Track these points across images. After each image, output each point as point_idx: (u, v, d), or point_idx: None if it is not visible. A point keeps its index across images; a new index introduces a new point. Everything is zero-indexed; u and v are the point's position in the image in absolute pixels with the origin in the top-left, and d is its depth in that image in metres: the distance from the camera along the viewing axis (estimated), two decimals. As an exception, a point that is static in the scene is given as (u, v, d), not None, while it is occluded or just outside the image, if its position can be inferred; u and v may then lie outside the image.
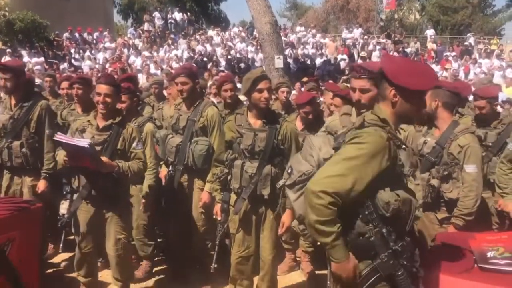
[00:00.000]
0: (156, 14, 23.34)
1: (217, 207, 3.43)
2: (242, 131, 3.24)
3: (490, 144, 3.97)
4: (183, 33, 22.47)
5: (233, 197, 3.33)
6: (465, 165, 3.23)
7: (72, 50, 18.91)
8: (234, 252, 3.33)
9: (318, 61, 18.10)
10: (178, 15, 24.03)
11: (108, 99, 3.32)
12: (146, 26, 22.66)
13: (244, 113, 3.30)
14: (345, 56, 18.26)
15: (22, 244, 3.29)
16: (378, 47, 19.58)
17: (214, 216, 3.55)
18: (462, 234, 3.06)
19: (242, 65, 16.37)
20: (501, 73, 15.34)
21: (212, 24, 29.59)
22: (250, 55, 18.37)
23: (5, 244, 3.18)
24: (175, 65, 15.55)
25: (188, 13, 26.42)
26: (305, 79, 8.86)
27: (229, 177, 3.30)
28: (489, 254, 2.55)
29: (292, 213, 2.96)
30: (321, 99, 5.98)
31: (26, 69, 14.27)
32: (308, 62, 17.83)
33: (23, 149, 4.03)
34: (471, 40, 20.97)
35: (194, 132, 3.85)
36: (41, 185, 4.12)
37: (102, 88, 3.32)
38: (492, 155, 3.94)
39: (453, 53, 18.44)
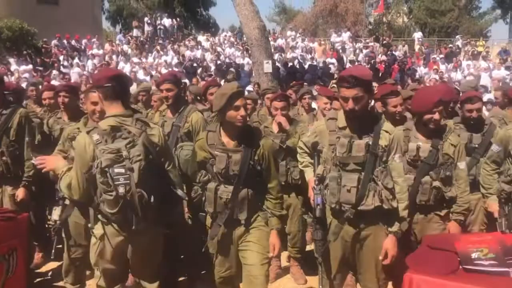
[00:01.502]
0: (146, 20, 23.36)
1: None
2: (215, 152, 2.89)
3: (476, 145, 4.01)
4: (172, 38, 22.47)
5: (208, 218, 3.08)
6: (458, 163, 3.35)
7: (61, 57, 18.81)
8: (216, 272, 3.15)
9: (308, 65, 18.17)
10: (167, 21, 24.05)
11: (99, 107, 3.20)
12: (135, 32, 22.67)
13: (216, 131, 2.95)
14: (334, 60, 18.37)
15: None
16: (366, 50, 19.70)
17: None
18: (447, 236, 3.10)
19: (231, 70, 16.37)
20: (487, 74, 15.56)
21: (201, 29, 29.66)
22: (238, 60, 18.38)
23: (8, 254, 3.25)
24: (164, 71, 15.52)
25: (177, 19, 26.45)
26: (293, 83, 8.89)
27: (203, 199, 3.00)
28: (473, 255, 2.57)
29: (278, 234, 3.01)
30: (314, 104, 5.99)
31: (15, 77, 14.38)
32: (297, 66, 17.89)
33: (4, 158, 3.97)
34: (459, 42, 21.22)
35: (179, 138, 3.88)
36: (20, 193, 4.04)
37: (93, 97, 3.25)
38: (479, 157, 3.98)
39: (441, 56, 18.64)
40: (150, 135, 2.80)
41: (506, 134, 3.44)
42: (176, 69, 15.38)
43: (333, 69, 17.32)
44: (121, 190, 2.58)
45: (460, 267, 2.56)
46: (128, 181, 2.59)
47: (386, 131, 2.83)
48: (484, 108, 5.72)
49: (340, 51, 19.88)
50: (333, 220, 2.89)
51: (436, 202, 3.33)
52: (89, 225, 2.91)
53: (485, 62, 17.02)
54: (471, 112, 4.02)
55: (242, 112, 2.80)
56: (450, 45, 20.99)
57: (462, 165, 3.36)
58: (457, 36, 23.08)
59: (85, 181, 2.70)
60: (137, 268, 3.01)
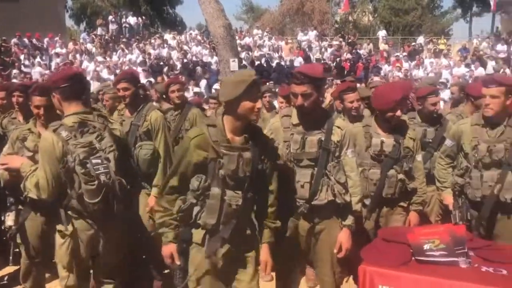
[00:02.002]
0: (110, 19, 22.95)
1: (170, 249, 2.58)
2: (223, 151, 2.43)
3: (430, 140, 4.12)
4: (138, 37, 22.15)
5: (198, 233, 2.53)
6: (416, 155, 3.52)
7: (22, 56, 18.27)
8: None
9: (275, 64, 18.26)
10: (132, 19, 23.69)
11: (42, 111, 3.25)
12: (99, 30, 22.22)
13: (219, 126, 2.48)
14: (300, 59, 18.51)
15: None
16: (331, 49, 19.95)
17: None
18: (402, 229, 3.18)
19: (198, 68, 16.28)
20: (448, 71, 16.01)
21: (168, 27, 29.35)
22: (206, 59, 18.31)
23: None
24: (129, 70, 15.30)
25: (143, 17, 26.09)
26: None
27: (195, 210, 2.48)
28: (425, 247, 2.65)
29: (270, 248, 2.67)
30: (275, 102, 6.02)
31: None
32: (265, 65, 17.95)
33: None
34: (421, 40, 21.76)
35: (138, 137, 3.82)
36: None
37: (37, 100, 3.25)
38: (433, 151, 4.10)
39: (404, 53, 19.06)
40: (112, 129, 2.98)
41: (459, 129, 3.54)
42: (140, 68, 15.20)
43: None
44: (103, 178, 2.74)
45: (413, 258, 2.64)
46: (108, 170, 2.77)
47: (338, 127, 2.88)
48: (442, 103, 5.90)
49: (307, 49, 20.07)
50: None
51: (401, 194, 3.45)
52: (58, 226, 2.89)
53: (446, 60, 17.49)
54: (435, 105, 4.17)
55: (259, 103, 2.48)
56: (413, 43, 21.50)
57: (419, 157, 3.55)
58: (420, 36, 23.62)
59: (54, 178, 2.73)
60: (102, 263, 3.05)
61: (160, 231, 2.59)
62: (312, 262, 3.11)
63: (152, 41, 20.96)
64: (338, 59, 18.25)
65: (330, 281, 3.00)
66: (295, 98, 2.81)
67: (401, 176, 3.39)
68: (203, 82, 14.85)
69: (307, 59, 18.57)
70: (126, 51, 18.99)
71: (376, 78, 13.03)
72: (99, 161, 2.76)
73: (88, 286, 3.18)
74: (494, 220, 3.38)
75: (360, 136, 3.46)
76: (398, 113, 3.34)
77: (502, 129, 3.30)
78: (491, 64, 16.64)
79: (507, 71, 14.97)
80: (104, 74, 15.26)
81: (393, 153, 3.39)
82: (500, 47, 18.59)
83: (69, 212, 2.84)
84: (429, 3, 34.77)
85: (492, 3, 24.54)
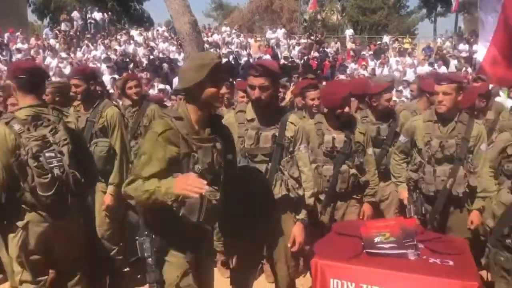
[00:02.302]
0: (75, 14, 22.42)
1: (183, 185, 2.07)
2: (198, 144, 2.29)
3: (384, 137, 4.19)
4: (103, 33, 21.71)
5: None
6: (367, 149, 3.62)
7: (-20, 52, 17.66)
8: None
9: (243, 61, 18.24)
10: (98, 15, 23.22)
11: None
12: (63, 26, 21.66)
13: (186, 117, 2.30)
14: (269, 56, 18.54)
15: None
16: (299, 47, 20.09)
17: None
18: (355, 222, 3.23)
19: (165, 65, 16.09)
20: (412, 70, 16.36)
21: (135, 24, 28.88)
22: (173, 55, 18.12)
23: None
24: (93, 66, 14.98)
25: (109, 13, 25.62)
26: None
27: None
28: (376, 240, 2.69)
29: None
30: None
31: None
32: (233, 62, 17.90)
33: None
34: (387, 39, 22.17)
35: (93, 134, 3.76)
36: None
37: None
38: (388, 147, 4.16)
39: (370, 52, 19.37)
40: (67, 122, 2.97)
41: (412, 125, 3.62)
42: (105, 65, 14.91)
43: (267, 64, 17.45)
44: (57, 171, 2.73)
45: (364, 251, 2.68)
46: (61, 163, 2.76)
47: (292, 123, 2.91)
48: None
49: (275, 47, 20.13)
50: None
51: (354, 188, 3.54)
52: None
53: (411, 59, 17.88)
54: (389, 101, 4.25)
55: (224, 88, 2.48)
56: (379, 42, 21.87)
57: (369, 150, 3.65)
58: (385, 36, 24.06)
59: (5, 171, 2.70)
60: (60, 257, 3.05)
61: (159, 197, 2.11)
62: (267, 256, 3.11)
63: (118, 37, 20.59)
64: (305, 57, 18.39)
65: (284, 275, 3.02)
66: (252, 90, 2.81)
67: (353, 171, 3.46)
68: (176, 80, 14.69)
69: (275, 57, 18.62)
70: (91, 47, 18.61)
71: (342, 76, 13.22)
72: (53, 154, 2.76)
73: (45, 281, 3.07)
74: (447, 214, 3.49)
75: (313, 133, 3.50)
76: (347, 109, 3.41)
77: (453, 125, 3.40)
78: (453, 63, 17.13)
79: (469, 70, 15.39)
80: (67, 70, 14.86)
81: (345, 149, 3.46)
82: (462, 46, 19.11)
83: (23, 206, 2.80)
84: (395, 3, 35.47)
85: (454, 3, 25.20)
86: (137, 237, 2.27)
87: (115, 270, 4.01)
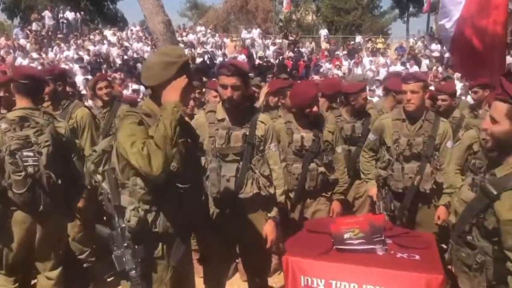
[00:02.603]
0: (47, 13, 21.97)
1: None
2: None
3: (360, 135, 4.25)
4: (76, 33, 21.36)
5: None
6: (336, 147, 3.66)
7: None
8: None
9: (218, 61, 18.22)
10: (70, 14, 22.81)
11: None
12: (34, 25, 21.20)
13: (154, 116, 2.17)
14: (244, 56, 18.57)
15: None
16: (274, 47, 20.19)
17: None
18: (326, 220, 3.28)
19: (139, 65, 15.95)
20: (385, 69, 16.62)
21: (108, 23, 28.49)
22: (147, 55, 17.96)
23: None
24: (64, 67, 14.73)
25: (82, 13, 25.19)
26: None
27: (150, 217, 2.15)
28: (345, 236, 2.75)
29: None
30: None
31: None
32: (208, 62, 17.86)
33: None
34: (358, 39, 22.50)
35: None
36: None
37: None
38: (363, 145, 4.23)
39: (344, 52, 19.60)
40: (57, 127, 3.05)
41: (380, 123, 3.70)
42: (77, 65, 14.69)
43: (242, 64, 17.50)
44: (30, 170, 2.82)
45: (334, 247, 2.73)
46: (37, 163, 2.84)
47: (262, 122, 2.95)
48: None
49: (250, 47, 20.18)
50: (215, 209, 2.93)
51: (322, 186, 3.58)
52: None
53: (384, 59, 18.17)
54: (366, 99, 4.36)
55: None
56: (352, 42, 22.16)
57: (339, 149, 3.69)
58: (358, 36, 24.41)
59: None
60: (42, 255, 3.11)
61: (166, 127, 1.94)
62: (240, 254, 3.14)
63: (92, 37, 20.31)
64: (280, 57, 18.49)
65: (257, 273, 3.05)
66: (224, 90, 2.82)
67: (321, 169, 3.51)
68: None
69: (250, 56, 18.67)
70: (64, 47, 18.29)
71: (316, 77, 13.33)
72: (31, 154, 2.84)
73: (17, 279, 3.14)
74: (415, 210, 3.59)
75: (283, 132, 3.54)
76: (315, 108, 3.46)
77: (420, 124, 3.50)
78: (425, 62, 17.48)
79: (440, 69, 15.74)
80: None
81: (313, 147, 3.50)
82: (434, 46, 19.50)
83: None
84: (369, 3, 35.92)
85: (426, 4, 25.69)
86: (115, 251, 2.07)
87: (87, 273, 3.99)
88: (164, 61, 2.14)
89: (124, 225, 2.06)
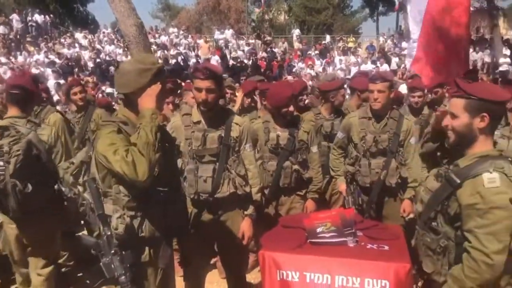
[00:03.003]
0: (14, 16, 21.51)
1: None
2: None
3: None
4: (46, 36, 21.01)
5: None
6: (311, 147, 3.78)
7: None
8: None
9: (192, 62, 18.21)
10: (39, 17, 22.40)
11: None
12: (1, 29, 20.73)
13: (131, 123, 2.25)
14: (217, 57, 18.63)
15: None
16: (248, 48, 20.28)
17: None
18: (300, 216, 3.40)
19: (111, 68, 15.83)
20: (356, 68, 16.93)
21: (79, 26, 28.08)
22: (120, 58, 17.83)
23: None
24: (35, 71, 14.50)
25: (51, 15, 24.75)
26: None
27: (136, 223, 2.21)
28: (318, 230, 2.87)
29: None
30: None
31: None
32: (182, 63, 17.84)
33: None
34: (328, 39, 22.84)
35: None
36: None
37: None
38: None
39: (316, 52, 19.86)
40: (40, 134, 3.11)
41: (348, 122, 3.85)
42: (49, 69, 14.49)
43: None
44: None
45: (308, 241, 2.86)
46: (3, 172, 2.90)
47: (237, 124, 3.05)
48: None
49: (224, 48, 20.24)
50: (193, 209, 3.02)
51: (297, 184, 3.69)
52: None
53: (354, 57, 18.49)
54: (344, 96, 4.53)
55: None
56: (324, 42, 22.47)
57: (314, 149, 3.81)
58: (327, 35, 24.74)
59: None
60: (32, 254, 3.33)
61: (147, 133, 2.03)
62: (218, 252, 3.24)
63: (62, 40, 20.01)
64: (254, 57, 18.61)
65: (235, 270, 3.15)
66: (199, 93, 2.90)
67: (295, 167, 3.63)
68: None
69: (223, 57, 18.74)
70: (34, 51, 17.97)
71: (289, 77, 13.50)
72: (1, 163, 2.92)
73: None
74: (382, 203, 3.75)
75: (260, 132, 3.66)
76: (291, 108, 3.59)
77: (385, 121, 3.66)
78: (394, 60, 17.87)
79: (407, 66, 16.06)
80: (8, 76, 14.32)
81: (288, 146, 3.63)
82: (404, 44, 19.92)
83: None
84: (340, 3, 36.40)
85: (397, 3, 26.20)
86: (103, 259, 2.09)
87: (66, 277, 4.01)
88: (138, 68, 2.18)
89: (109, 233, 2.07)
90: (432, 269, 2.18)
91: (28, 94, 3.26)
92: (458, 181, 2.02)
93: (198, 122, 3.00)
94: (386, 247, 2.76)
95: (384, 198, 3.73)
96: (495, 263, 1.91)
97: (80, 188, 2.24)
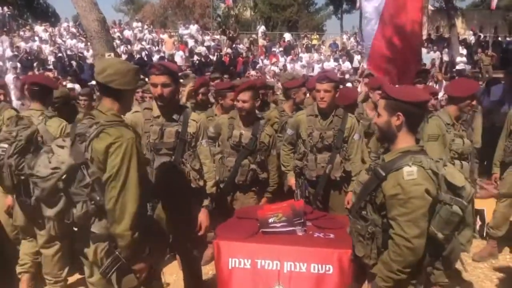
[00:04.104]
0: (-31, 8, 20.84)
1: None
2: None
3: None
4: (5, 29, 20.39)
5: None
6: (272, 150, 3.98)
7: None
8: None
9: (156, 57, 18.08)
10: (-4, 9, 21.75)
11: None
12: (-43, 21, 20.08)
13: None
14: (181, 53, 18.59)
15: None
16: (213, 43, 20.30)
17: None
18: (254, 208, 3.58)
19: (73, 63, 15.57)
20: (319, 65, 17.29)
21: (39, 19, 27.34)
22: (81, 52, 17.53)
23: None
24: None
25: (10, 7, 24.01)
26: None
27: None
28: (270, 220, 3.05)
29: None
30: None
31: None
32: (146, 58, 17.69)
33: None
34: (287, 36, 23.14)
35: None
36: None
37: None
38: None
39: (280, 49, 20.09)
40: (47, 126, 3.50)
41: (297, 119, 4.05)
42: (10, 63, 14.14)
43: (180, 61, 17.54)
44: None
45: (260, 230, 3.04)
46: (4, 153, 3.24)
47: (194, 120, 3.20)
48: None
49: (188, 43, 20.18)
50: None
51: (252, 182, 3.88)
52: None
53: (318, 55, 18.84)
54: (306, 94, 4.78)
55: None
56: (288, 39, 22.73)
57: (274, 152, 4.00)
58: (287, 33, 25.01)
59: None
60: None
61: None
62: (174, 244, 3.37)
63: (21, 33, 19.48)
64: (219, 53, 18.67)
65: (191, 261, 3.30)
66: (154, 88, 3.03)
67: (253, 166, 3.82)
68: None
69: (190, 53, 18.71)
70: (-9, 44, 17.44)
71: (252, 72, 13.68)
72: (6, 146, 3.26)
73: None
74: (328, 196, 3.99)
75: (224, 127, 3.84)
76: (240, 104, 3.76)
77: (331, 119, 3.90)
78: (357, 58, 18.32)
79: (364, 65, 16.50)
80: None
81: (249, 145, 3.81)
82: (366, 42, 20.40)
83: None
84: (304, 0, 36.81)
85: (358, 2, 26.72)
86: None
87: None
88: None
89: None
90: (363, 253, 2.40)
91: (46, 90, 3.68)
92: (383, 174, 2.24)
93: (158, 117, 3.12)
94: (332, 235, 2.97)
95: (330, 191, 3.97)
96: (415, 246, 2.14)
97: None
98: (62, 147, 2.27)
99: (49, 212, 2.24)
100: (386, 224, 2.27)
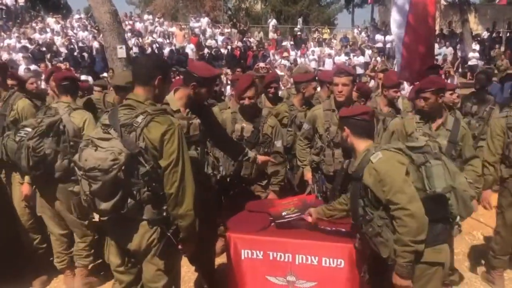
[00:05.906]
0: (-20, 0, 20.95)
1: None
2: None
3: None
4: (18, 20, 20.53)
5: None
6: (276, 141, 3.93)
7: None
8: None
9: (167, 50, 18.11)
10: (9, 1, 21.82)
11: None
12: (-31, 12, 20.23)
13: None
14: (192, 46, 18.58)
15: None
16: (223, 36, 20.27)
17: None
18: (264, 201, 3.61)
19: (85, 54, 15.65)
20: (330, 60, 17.19)
21: (51, 11, 27.44)
22: (93, 44, 17.58)
23: None
24: (6, 56, 14.25)
25: (23, -1, 24.13)
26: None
27: None
28: (283, 213, 3.11)
29: None
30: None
31: None
32: (156, 51, 17.71)
33: None
34: (300, 24, 23.02)
35: (5, 127, 3.79)
36: None
37: None
38: None
39: (291, 42, 20.01)
40: (72, 117, 3.59)
41: (313, 114, 4.04)
42: (21, 54, 14.24)
43: (191, 54, 17.56)
44: (17, 139, 3.45)
45: (272, 224, 3.07)
46: (26, 136, 3.40)
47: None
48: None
49: (200, 36, 20.17)
50: None
51: (258, 175, 3.85)
52: None
53: (329, 49, 18.72)
54: (316, 88, 4.76)
55: None
56: (299, 33, 22.62)
57: (278, 143, 3.96)
58: (297, 27, 24.89)
59: None
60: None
61: None
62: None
63: (33, 25, 19.59)
64: (229, 47, 18.65)
65: (205, 249, 3.34)
66: None
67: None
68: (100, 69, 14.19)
69: (199, 46, 18.71)
70: (4, 35, 17.57)
71: (261, 64, 13.64)
72: (30, 130, 3.42)
73: None
74: (345, 191, 3.93)
75: (228, 122, 3.84)
76: (246, 101, 3.72)
77: None
78: (367, 53, 18.18)
79: (378, 59, 16.43)
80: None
81: (251, 138, 3.81)
82: (378, 37, 20.28)
83: None
84: (315, -7, 36.56)
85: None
86: None
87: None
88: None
89: None
90: (387, 254, 2.42)
91: (74, 84, 3.87)
92: (360, 174, 2.46)
93: (178, 111, 3.03)
94: (344, 230, 2.99)
95: (347, 186, 3.94)
96: (413, 211, 2.28)
97: None
98: (107, 139, 2.27)
99: (104, 205, 2.24)
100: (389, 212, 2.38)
